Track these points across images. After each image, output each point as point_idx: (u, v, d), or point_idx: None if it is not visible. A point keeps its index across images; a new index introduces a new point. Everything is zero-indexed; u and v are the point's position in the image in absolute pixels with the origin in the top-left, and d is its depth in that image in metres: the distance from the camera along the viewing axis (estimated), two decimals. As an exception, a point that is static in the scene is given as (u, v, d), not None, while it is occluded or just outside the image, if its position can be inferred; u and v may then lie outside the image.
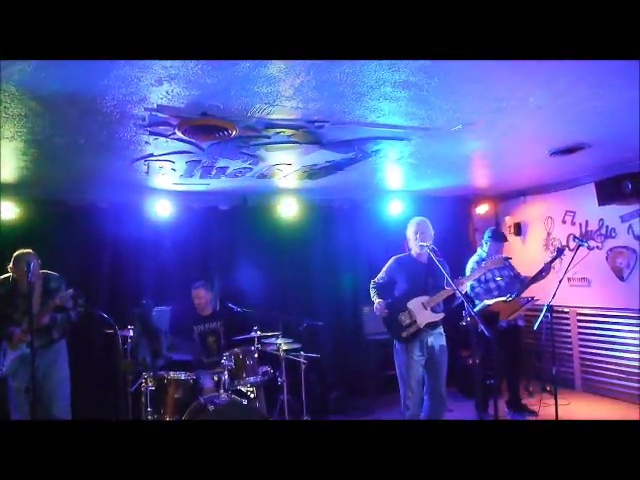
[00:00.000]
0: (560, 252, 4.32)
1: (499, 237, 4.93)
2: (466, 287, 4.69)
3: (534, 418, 4.62)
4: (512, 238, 6.24)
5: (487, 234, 4.95)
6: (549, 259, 4.44)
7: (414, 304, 3.63)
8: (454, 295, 3.61)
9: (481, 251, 4.95)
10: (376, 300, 3.73)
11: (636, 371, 4.92)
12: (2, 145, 3.02)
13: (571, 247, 5.44)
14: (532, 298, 4.27)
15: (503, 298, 4.11)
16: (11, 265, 3.71)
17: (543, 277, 4.38)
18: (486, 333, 2.90)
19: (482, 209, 6.44)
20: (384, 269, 3.90)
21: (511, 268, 4.89)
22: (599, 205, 5.02)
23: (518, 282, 4.63)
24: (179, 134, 2.95)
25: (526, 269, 4.87)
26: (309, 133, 3.17)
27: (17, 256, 3.70)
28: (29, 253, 3.67)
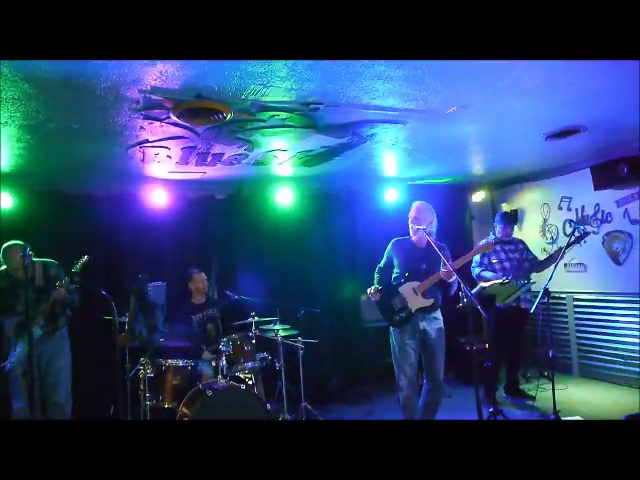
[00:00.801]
0: (578, 239, 4.01)
1: (508, 220, 5.03)
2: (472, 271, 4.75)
3: (532, 403, 4.64)
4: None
5: (497, 218, 5.06)
6: (561, 246, 4.33)
7: (405, 289, 3.63)
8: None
9: (492, 235, 5.02)
10: (374, 285, 3.74)
11: (633, 355, 4.95)
12: (-3, 131, 3.02)
13: (567, 233, 5.46)
14: (528, 281, 4.28)
15: (499, 281, 4.12)
16: (4, 257, 3.68)
17: (552, 262, 4.29)
18: (482, 313, 2.93)
19: (478, 197, 6.46)
20: (385, 252, 3.90)
21: (524, 252, 4.89)
22: (595, 190, 5.04)
23: (527, 266, 4.66)
24: (174, 118, 2.95)
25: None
26: (304, 116, 3.17)
27: (9, 247, 3.67)
28: (20, 244, 3.62)
